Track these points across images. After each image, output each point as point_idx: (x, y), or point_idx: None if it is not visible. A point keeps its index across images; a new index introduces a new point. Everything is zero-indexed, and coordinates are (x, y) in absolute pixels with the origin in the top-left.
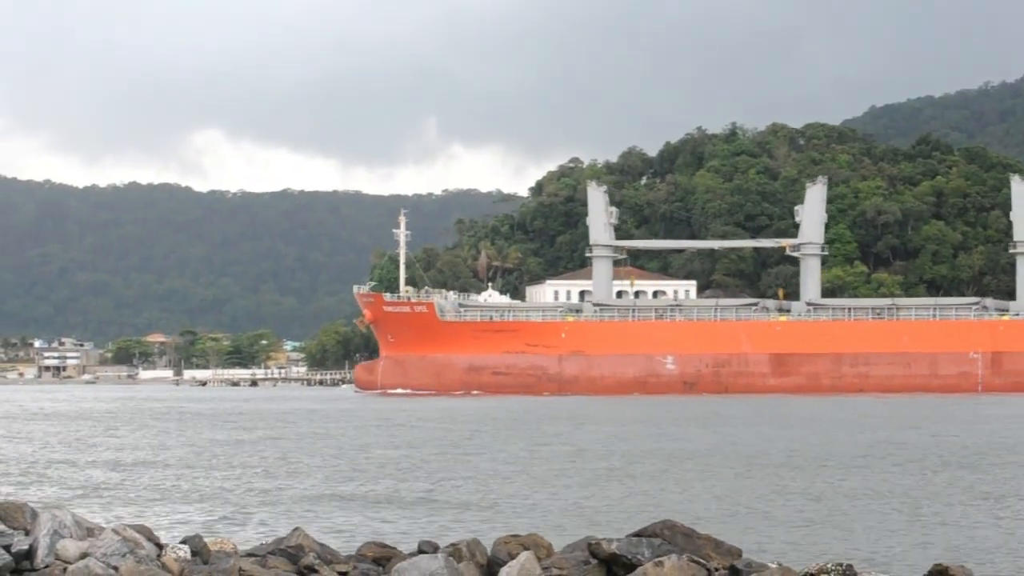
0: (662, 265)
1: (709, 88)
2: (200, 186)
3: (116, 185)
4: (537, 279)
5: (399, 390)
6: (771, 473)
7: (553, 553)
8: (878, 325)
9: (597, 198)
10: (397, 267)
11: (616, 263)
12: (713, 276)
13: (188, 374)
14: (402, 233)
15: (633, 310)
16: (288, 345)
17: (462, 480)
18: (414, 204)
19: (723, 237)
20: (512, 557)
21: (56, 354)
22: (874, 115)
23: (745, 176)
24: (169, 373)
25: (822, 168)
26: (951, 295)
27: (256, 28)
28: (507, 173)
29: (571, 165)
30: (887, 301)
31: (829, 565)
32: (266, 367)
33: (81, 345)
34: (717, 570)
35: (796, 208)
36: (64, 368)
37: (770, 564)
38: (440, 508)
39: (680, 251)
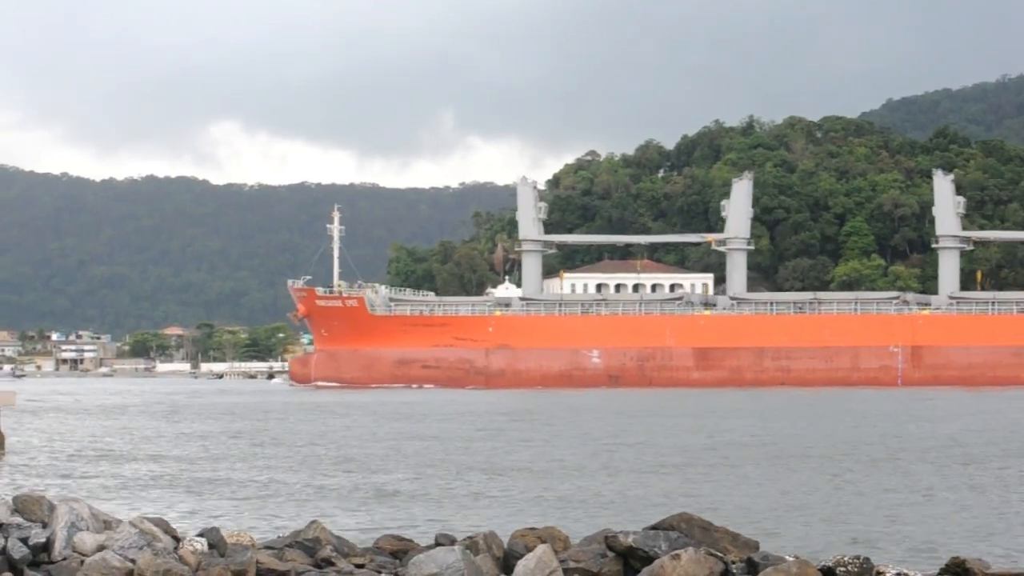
0: (679, 258)
1: (726, 80)
2: (217, 179)
3: (133, 178)
4: (553, 272)
5: (323, 383)
6: (787, 466)
7: (570, 546)
8: (800, 319)
9: (526, 194)
10: (415, 261)
11: (629, 256)
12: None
13: (205, 367)
14: (335, 228)
15: (559, 304)
16: (305, 338)
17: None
18: (431, 197)
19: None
20: (529, 550)
21: (73, 347)
22: (891, 108)
23: (762, 169)
24: (186, 366)
25: (839, 161)
26: (968, 289)
27: (272, 20)
28: (524, 165)
29: (588, 158)
30: (809, 295)
31: (846, 558)
32: (283, 360)
33: (98, 338)
34: (734, 563)
35: (723, 203)
36: (81, 361)
37: (787, 557)
38: (454, 501)
39: (696, 244)
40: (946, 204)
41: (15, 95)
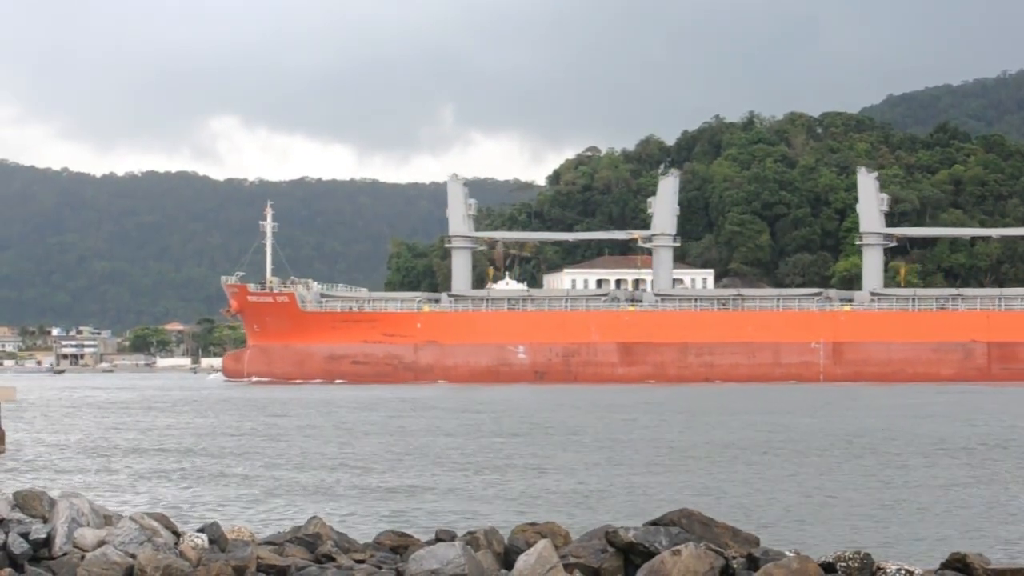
0: (679, 254)
1: (727, 76)
2: (217, 174)
3: (134, 174)
4: (555, 268)
5: (254, 378)
6: (790, 461)
7: (570, 541)
8: (723, 315)
9: (456, 191)
10: (415, 256)
11: (630, 252)
12: (731, 265)
13: (205, 362)
14: (268, 225)
15: (487, 301)
16: None
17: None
18: (432, 192)
19: (740, 225)
20: (530, 545)
21: (74, 342)
22: (892, 103)
23: (763, 165)
24: (187, 361)
25: (840, 156)
26: (969, 284)
27: (271, 14)
28: (524, 160)
29: (588, 153)
30: (732, 292)
31: (847, 553)
32: None
33: (99, 333)
34: (735, 558)
35: (649, 200)
36: (81, 356)
37: (788, 552)
38: (458, 497)
39: (696, 239)
40: (870, 201)
41: (15, 90)
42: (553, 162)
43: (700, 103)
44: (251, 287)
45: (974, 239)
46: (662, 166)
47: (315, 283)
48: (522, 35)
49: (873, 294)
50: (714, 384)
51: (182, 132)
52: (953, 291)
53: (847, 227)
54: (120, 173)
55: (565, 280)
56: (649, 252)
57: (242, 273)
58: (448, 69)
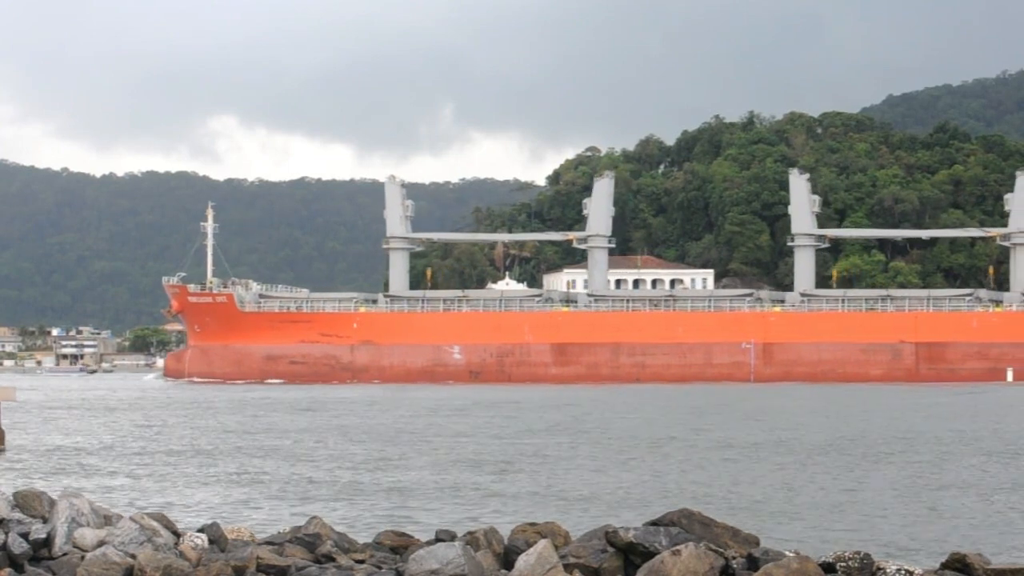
0: (679, 254)
1: (727, 75)
2: (217, 174)
3: (134, 173)
4: (554, 268)
5: (195, 379)
6: (786, 462)
7: (570, 541)
8: (655, 316)
9: (393, 192)
10: (414, 257)
11: (630, 252)
12: (730, 265)
13: None
14: (209, 226)
15: (422, 301)
16: None
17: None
18: (432, 192)
19: (740, 226)
20: (529, 545)
21: (74, 342)
22: (892, 103)
23: (763, 164)
24: None
25: (840, 156)
26: (969, 284)
27: (271, 13)
28: (523, 159)
29: (588, 153)
30: (665, 293)
31: (847, 554)
32: None
33: (98, 333)
34: (735, 558)
35: (584, 201)
36: (81, 356)
37: (788, 552)
38: (458, 496)
39: (697, 239)
40: (802, 203)
41: (13, 89)
42: (553, 162)
43: (700, 103)
44: (191, 288)
45: (974, 239)
46: (662, 166)
47: (254, 283)
48: (522, 35)
49: (803, 295)
50: (639, 384)
51: (181, 131)
52: (883, 292)
53: (846, 227)
54: (120, 173)
55: (564, 280)
56: (585, 254)
57: (183, 274)
58: (448, 69)
